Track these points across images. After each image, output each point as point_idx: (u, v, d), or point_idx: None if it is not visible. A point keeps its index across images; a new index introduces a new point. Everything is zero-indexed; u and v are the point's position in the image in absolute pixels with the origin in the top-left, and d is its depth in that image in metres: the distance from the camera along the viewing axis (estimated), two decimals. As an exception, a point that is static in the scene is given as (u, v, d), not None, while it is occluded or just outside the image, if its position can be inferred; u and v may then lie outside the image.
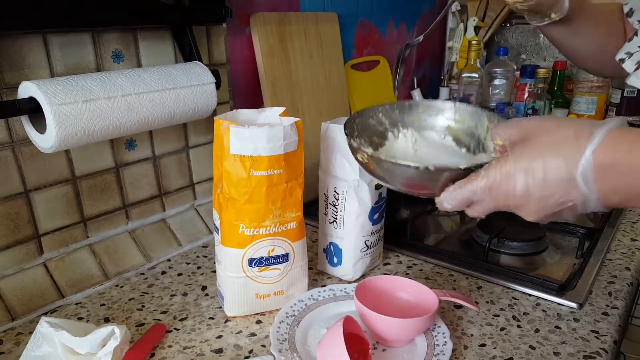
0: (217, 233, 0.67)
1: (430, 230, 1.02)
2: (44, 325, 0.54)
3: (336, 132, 0.73)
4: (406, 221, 0.96)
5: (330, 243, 0.79)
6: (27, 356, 0.55)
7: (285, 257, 0.68)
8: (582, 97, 1.42)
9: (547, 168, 0.43)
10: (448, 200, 0.50)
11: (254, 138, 0.61)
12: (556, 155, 0.43)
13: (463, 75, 1.57)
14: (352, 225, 0.76)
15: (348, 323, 0.59)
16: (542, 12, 0.70)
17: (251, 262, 0.66)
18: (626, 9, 0.73)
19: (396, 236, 0.90)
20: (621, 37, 0.74)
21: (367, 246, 0.78)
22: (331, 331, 0.58)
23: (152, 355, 0.62)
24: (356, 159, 0.57)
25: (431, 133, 0.64)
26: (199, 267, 0.85)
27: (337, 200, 0.76)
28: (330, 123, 0.74)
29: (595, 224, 0.98)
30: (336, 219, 0.77)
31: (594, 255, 0.86)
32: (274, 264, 0.67)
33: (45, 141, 0.63)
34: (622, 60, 0.70)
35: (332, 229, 0.78)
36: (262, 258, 0.66)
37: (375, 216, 0.77)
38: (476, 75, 1.55)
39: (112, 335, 0.56)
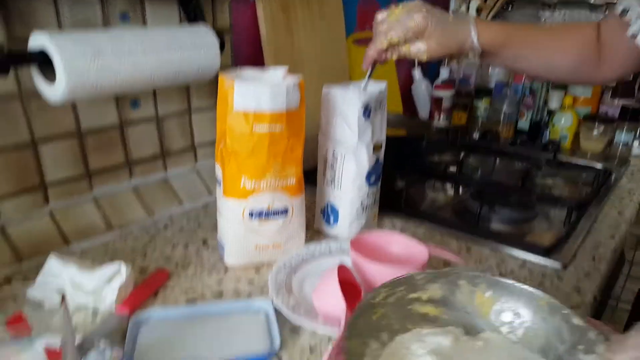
0: (219, 185, 0.70)
1: (424, 199, 1.05)
2: (53, 261, 0.57)
3: (337, 96, 0.76)
4: (401, 190, 0.99)
5: (328, 204, 0.82)
6: (36, 290, 0.57)
7: (284, 212, 0.70)
8: (578, 79, 1.45)
9: None
10: None
11: (257, 94, 0.63)
12: None
13: (463, 55, 1.59)
14: (349, 187, 0.79)
15: (342, 271, 0.62)
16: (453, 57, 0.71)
17: (251, 214, 0.69)
18: (619, 9, 0.65)
19: (391, 203, 0.93)
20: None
21: (363, 207, 0.81)
22: (327, 276, 0.62)
23: (156, 295, 0.65)
24: None
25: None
26: (199, 224, 0.87)
27: (336, 162, 0.78)
28: (331, 87, 0.77)
29: (585, 198, 1.01)
30: (334, 180, 0.79)
31: (581, 225, 0.89)
32: (274, 217, 0.70)
33: (54, 92, 0.66)
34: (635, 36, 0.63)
35: (330, 190, 0.81)
36: (262, 211, 0.69)
37: (372, 179, 0.80)
38: (475, 56, 1.58)
39: (118, 273, 0.58)
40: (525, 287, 0.46)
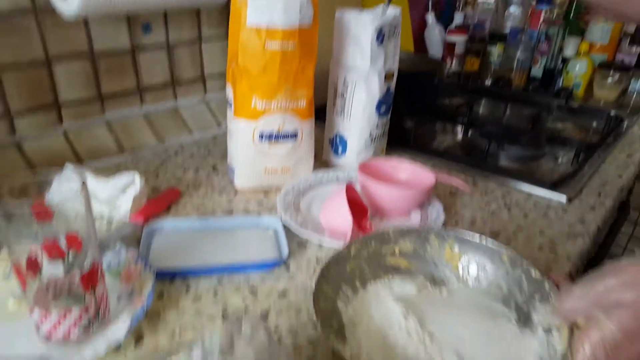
0: (230, 106, 0.70)
1: (433, 139, 1.05)
2: (68, 170, 0.58)
3: (350, 20, 0.75)
4: (411, 128, 0.99)
5: (337, 134, 0.82)
6: (53, 194, 0.59)
7: (293, 135, 0.71)
8: (597, 25, 1.41)
9: None
10: None
11: (271, 7, 0.62)
12: None
13: (479, 0, 1.55)
14: (359, 116, 0.79)
15: (349, 190, 0.63)
16: None
17: (262, 136, 0.69)
18: None
19: (400, 139, 0.93)
20: None
21: (372, 139, 0.81)
22: (334, 194, 0.63)
23: (168, 210, 0.67)
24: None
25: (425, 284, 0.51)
26: (209, 152, 0.88)
27: (347, 90, 0.78)
28: (345, 11, 0.76)
29: (594, 141, 1.01)
30: (344, 109, 0.80)
31: (589, 164, 0.90)
32: (283, 140, 0.71)
33: (68, 6, 0.65)
34: None
35: (340, 119, 0.81)
36: (272, 133, 0.70)
37: (382, 109, 0.80)
38: (491, 1, 1.54)
39: (132, 183, 0.60)
40: (490, 243, 0.49)
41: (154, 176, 0.78)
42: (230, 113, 0.71)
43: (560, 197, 0.76)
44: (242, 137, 0.70)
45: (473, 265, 0.50)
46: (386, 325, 0.44)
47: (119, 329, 0.43)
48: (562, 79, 1.39)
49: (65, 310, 0.41)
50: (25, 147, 0.73)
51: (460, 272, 0.50)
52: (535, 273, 0.45)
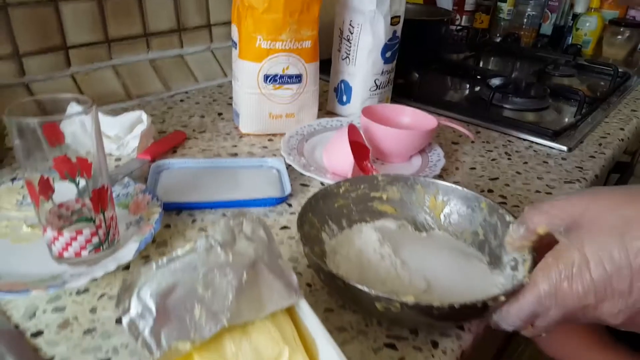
0: (235, 48, 0.71)
1: (439, 89, 1.05)
2: (74, 106, 0.58)
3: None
4: (416, 80, 0.99)
5: (342, 81, 0.83)
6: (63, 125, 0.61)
7: (298, 78, 0.72)
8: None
9: (630, 247, 0.32)
10: (507, 321, 0.38)
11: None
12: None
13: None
14: (364, 61, 0.79)
15: (352, 131, 0.64)
16: None
17: (266, 78, 0.70)
18: None
19: (405, 91, 0.94)
20: None
21: (377, 85, 0.82)
22: (337, 135, 0.64)
23: (174, 152, 0.69)
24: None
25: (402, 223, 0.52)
26: (214, 100, 0.89)
27: (352, 34, 0.78)
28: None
29: (599, 95, 1.01)
30: (349, 54, 0.80)
31: (592, 117, 0.90)
32: (288, 83, 0.71)
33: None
34: None
35: (345, 65, 0.81)
36: (277, 75, 0.70)
37: (388, 54, 0.80)
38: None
39: (140, 121, 0.61)
40: (471, 192, 0.50)
41: (160, 121, 0.79)
42: (235, 55, 0.72)
43: (560, 147, 0.77)
44: (247, 78, 0.70)
45: (454, 215, 0.52)
46: (363, 248, 0.46)
47: (128, 250, 0.46)
48: (571, 36, 1.37)
49: (76, 231, 0.44)
50: (34, 89, 0.74)
51: (442, 220, 0.52)
52: (509, 217, 0.46)
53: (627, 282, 0.33)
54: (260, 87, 0.71)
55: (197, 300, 0.28)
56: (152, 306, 0.26)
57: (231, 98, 0.81)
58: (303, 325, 0.32)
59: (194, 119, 0.81)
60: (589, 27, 1.33)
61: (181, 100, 0.88)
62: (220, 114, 0.83)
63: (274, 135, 0.76)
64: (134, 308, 0.27)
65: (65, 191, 0.43)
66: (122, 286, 0.29)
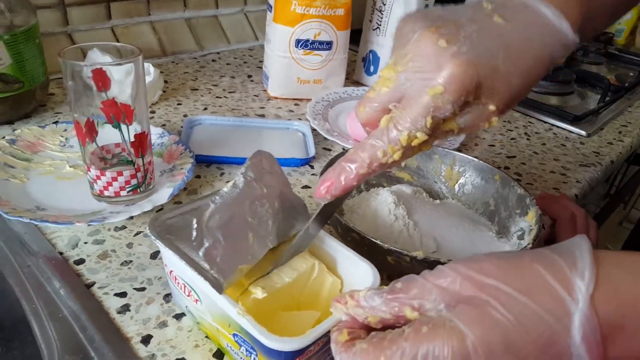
0: (270, 11, 0.73)
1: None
2: (95, 51, 0.60)
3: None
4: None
5: (370, 51, 0.85)
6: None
7: (328, 45, 0.74)
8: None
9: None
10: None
11: None
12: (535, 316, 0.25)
13: None
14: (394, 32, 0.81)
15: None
16: None
17: (298, 43, 0.72)
18: None
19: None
20: None
21: (403, 59, 0.83)
22: (362, 103, 0.66)
23: (205, 109, 0.72)
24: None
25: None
26: (245, 62, 0.92)
27: (385, 4, 0.79)
28: None
29: (625, 84, 1.00)
30: (380, 24, 0.81)
31: (615, 105, 0.91)
32: (318, 49, 0.74)
33: None
34: None
35: (375, 36, 0.83)
36: (308, 40, 0.72)
37: (416, 29, 0.81)
38: None
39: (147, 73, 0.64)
40: (486, 164, 0.52)
41: (193, 79, 0.82)
42: (269, 17, 0.74)
43: (579, 131, 0.78)
44: (279, 42, 0.73)
45: (468, 186, 0.54)
46: (379, 209, 0.49)
47: (162, 194, 0.49)
48: (605, 23, 1.35)
49: (117, 172, 0.47)
50: (75, 38, 0.78)
51: (456, 190, 0.55)
52: (520, 190, 0.48)
53: None
54: (291, 52, 0.73)
55: (249, 229, 0.33)
56: (220, 237, 0.30)
57: (261, 61, 0.83)
58: (317, 248, 0.38)
59: (224, 79, 0.83)
60: (623, 16, 1.30)
61: (213, 60, 0.91)
62: (249, 76, 0.86)
63: (300, 100, 0.79)
64: (207, 240, 0.30)
65: (107, 136, 0.46)
66: (183, 223, 0.33)
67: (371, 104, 0.33)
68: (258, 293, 0.32)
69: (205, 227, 0.29)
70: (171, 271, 0.37)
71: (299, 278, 0.35)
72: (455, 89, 0.29)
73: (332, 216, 0.38)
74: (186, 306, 0.37)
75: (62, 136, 0.59)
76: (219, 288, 0.30)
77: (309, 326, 0.31)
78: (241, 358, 0.33)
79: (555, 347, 0.24)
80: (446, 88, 0.29)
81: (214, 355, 0.36)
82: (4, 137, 0.55)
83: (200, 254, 0.30)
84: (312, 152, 0.62)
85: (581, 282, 0.25)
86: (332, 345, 0.29)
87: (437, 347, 0.25)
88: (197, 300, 0.34)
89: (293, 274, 0.34)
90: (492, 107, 0.31)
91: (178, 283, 0.36)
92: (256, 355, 0.31)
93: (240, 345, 0.32)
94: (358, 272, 0.36)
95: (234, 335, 0.32)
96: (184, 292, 0.35)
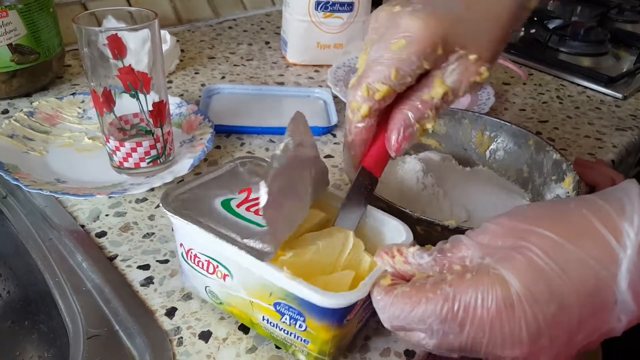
0: (288, -27, 0.70)
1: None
2: (109, 19, 0.58)
3: None
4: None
5: (392, 14, 0.81)
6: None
7: (350, 6, 0.71)
8: None
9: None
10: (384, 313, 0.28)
11: None
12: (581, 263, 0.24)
13: None
14: None
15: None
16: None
17: (318, 5, 0.69)
18: None
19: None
20: None
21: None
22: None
23: (223, 78, 0.70)
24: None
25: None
26: (262, 28, 0.89)
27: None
28: None
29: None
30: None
31: (653, 66, 0.86)
32: (339, 11, 0.70)
33: None
34: None
35: None
36: (329, 2, 0.69)
37: None
38: None
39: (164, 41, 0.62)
40: (520, 128, 0.49)
41: (209, 47, 0.80)
42: (288, -19, 0.71)
43: (615, 94, 0.74)
44: (298, 5, 0.70)
45: (500, 152, 0.51)
46: (405, 177, 0.47)
47: (183, 165, 0.48)
48: (641, -22, 1.27)
49: (136, 143, 0.46)
50: (89, 6, 0.76)
51: (487, 156, 0.52)
52: (556, 155, 0.46)
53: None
54: (310, 14, 0.70)
55: (296, 193, 0.32)
56: (283, 200, 0.29)
57: (279, 27, 0.81)
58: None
59: (242, 47, 0.81)
60: (662, -30, 1.23)
61: (229, 28, 0.88)
62: (267, 43, 0.83)
63: (320, 66, 0.76)
64: (272, 202, 0.29)
65: (125, 107, 0.45)
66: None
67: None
68: (289, 255, 0.31)
69: (269, 188, 0.28)
70: (189, 250, 0.34)
71: (331, 244, 0.33)
72: (416, 39, 0.30)
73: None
74: (206, 287, 0.35)
75: (79, 107, 0.58)
76: (264, 256, 0.29)
77: (346, 287, 0.30)
78: (282, 329, 0.32)
79: (599, 297, 0.24)
80: (407, 41, 0.30)
81: (239, 328, 0.35)
82: (22, 110, 0.54)
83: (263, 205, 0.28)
84: (334, 120, 0.60)
85: (630, 228, 0.24)
86: (374, 290, 0.28)
87: (480, 294, 0.24)
88: (225, 276, 0.33)
89: (329, 245, 0.33)
90: (472, 57, 0.32)
91: (199, 262, 0.34)
92: (303, 320, 0.30)
93: (283, 315, 0.31)
94: (388, 229, 0.35)
95: (276, 304, 0.31)
96: (207, 271, 0.34)
